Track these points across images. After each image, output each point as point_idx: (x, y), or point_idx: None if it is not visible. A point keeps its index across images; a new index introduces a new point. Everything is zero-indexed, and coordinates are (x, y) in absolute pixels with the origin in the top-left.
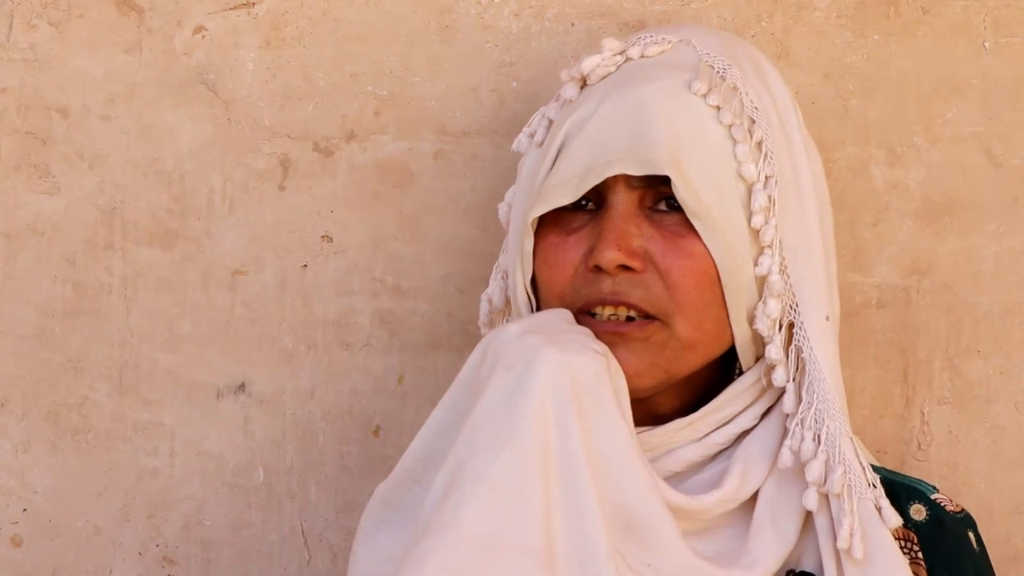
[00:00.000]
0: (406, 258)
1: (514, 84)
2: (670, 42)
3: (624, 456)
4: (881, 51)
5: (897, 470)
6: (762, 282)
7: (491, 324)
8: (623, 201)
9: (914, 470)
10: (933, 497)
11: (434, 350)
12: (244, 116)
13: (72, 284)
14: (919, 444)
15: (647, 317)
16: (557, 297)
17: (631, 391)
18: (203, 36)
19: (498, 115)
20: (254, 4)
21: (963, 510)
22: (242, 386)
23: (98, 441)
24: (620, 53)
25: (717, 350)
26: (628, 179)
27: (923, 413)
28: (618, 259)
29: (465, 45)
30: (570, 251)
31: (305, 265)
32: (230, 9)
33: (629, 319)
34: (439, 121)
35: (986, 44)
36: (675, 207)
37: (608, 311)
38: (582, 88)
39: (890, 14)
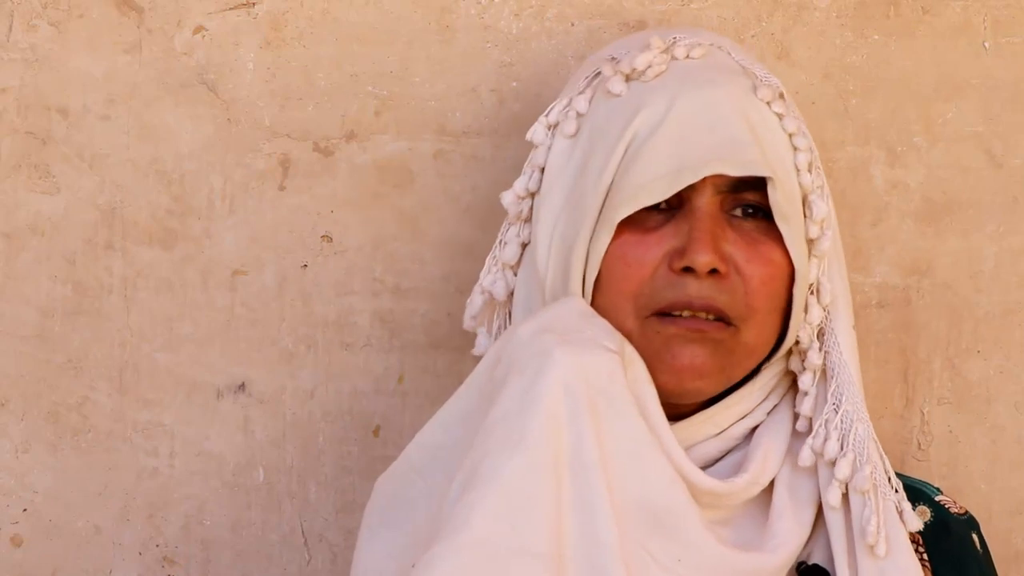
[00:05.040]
0: (406, 258)
1: (514, 84)
2: (704, 45)
3: (642, 452)
4: (881, 51)
5: (897, 470)
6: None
7: (482, 320)
8: (710, 204)
9: (914, 470)
10: (937, 499)
11: (434, 350)
12: (244, 116)
13: (72, 284)
14: (919, 444)
15: (725, 322)
16: (631, 296)
17: (694, 393)
18: (203, 36)
19: (498, 115)
20: (254, 4)
21: (967, 512)
22: (242, 386)
23: (98, 441)
24: (665, 51)
25: (765, 354)
26: (716, 182)
27: (923, 413)
28: (712, 262)
29: (465, 45)
30: (652, 249)
31: (305, 265)
32: (230, 9)
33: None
34: (439, 121)
35: (986, 44)
36: (751, 213)
37: (688, 312)
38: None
39: (890, 14)
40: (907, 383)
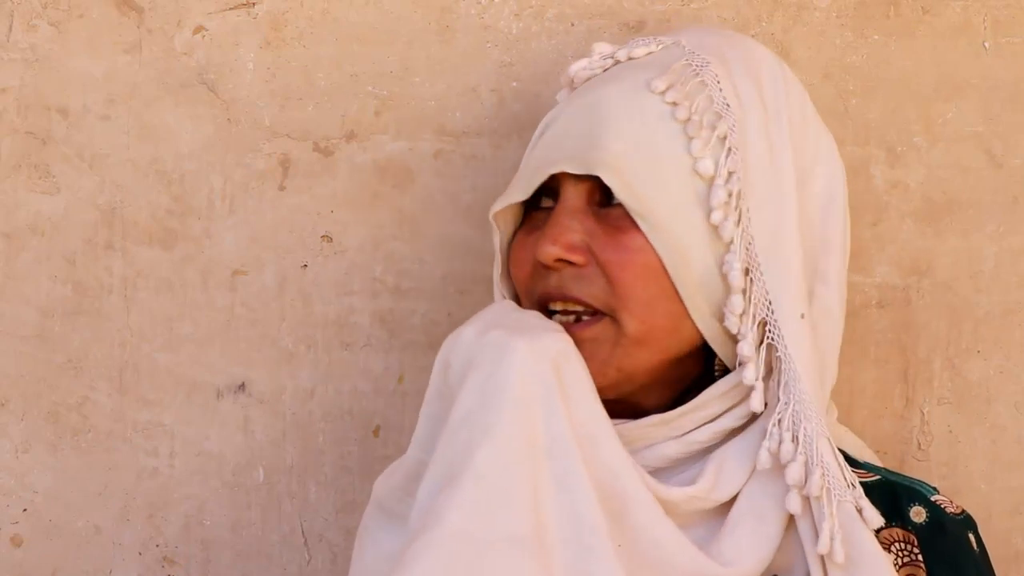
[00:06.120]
0: (406, 258)
1: (514, 84)
2: (661, 44)
3: (601, 432)
4: (881, 51)
5: (897, 470)
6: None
7: None
8: (570, 197)
9: (914, 470)
10: (933, 499)
11: (434, 350)
12: (244, 116)
13: (72, 284)
14: (919, 444)
15: (594, 313)
16: (523, 294)
17: None
18: (203, 36)
19: (498, 115)
20: (254, 4)
21: (963, 511)
22: (242, 386)
23: (98, 441)
24: (609, 56)
25: (675, 346)
26: (575, 177)
27: (923, 413)
28: (555, 253)
29: (465, 45)
30: (529, 249)
31: (305, 265)
32: (230, 9)
33: (577, 319)
34: (439, 121)
35: (986, 44)
36: (617, 204)
37: (558, 306)
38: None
39: (890, 14)
40: (907, 383)
